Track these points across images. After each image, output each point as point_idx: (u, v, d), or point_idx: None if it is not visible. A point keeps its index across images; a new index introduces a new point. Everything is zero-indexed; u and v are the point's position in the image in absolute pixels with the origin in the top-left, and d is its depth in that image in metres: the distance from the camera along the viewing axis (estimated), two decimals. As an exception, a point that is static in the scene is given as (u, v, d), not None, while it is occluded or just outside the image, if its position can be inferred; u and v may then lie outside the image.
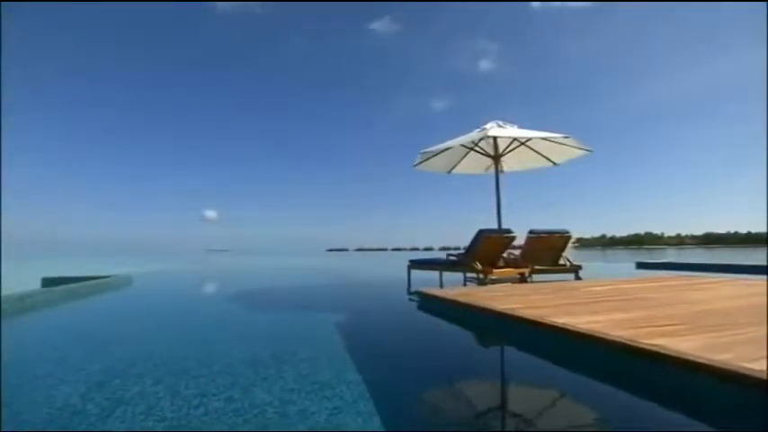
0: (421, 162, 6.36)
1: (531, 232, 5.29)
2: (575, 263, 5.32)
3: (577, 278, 5.19)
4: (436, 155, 6.32)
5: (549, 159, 6.52)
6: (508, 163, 7.03)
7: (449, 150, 6.37)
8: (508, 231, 5.16)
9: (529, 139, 5.92)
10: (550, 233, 5.31)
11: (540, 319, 2.09)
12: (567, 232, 5.38)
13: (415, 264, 5.97)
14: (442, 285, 5.91)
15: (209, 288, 6.97)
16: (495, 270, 4.75)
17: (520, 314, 2.28)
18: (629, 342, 1.57)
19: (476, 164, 7.05)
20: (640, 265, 9.87)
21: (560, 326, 1.93)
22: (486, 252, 5.05)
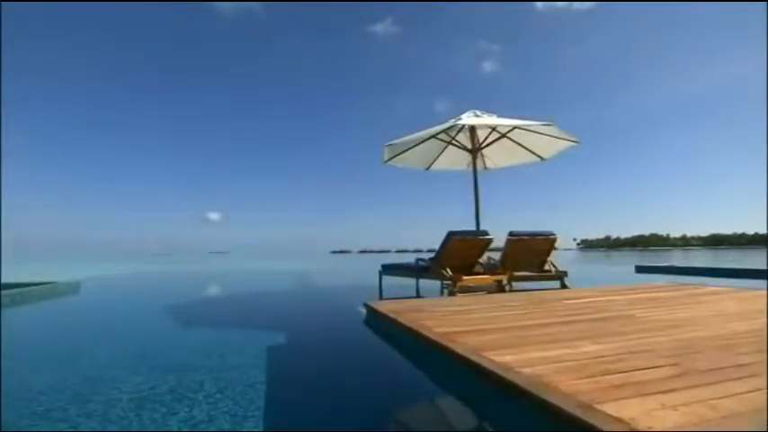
0: (391, 157, 5.78)
1: (510, 234, 4.69)
2: (561, 269, 4.72)
3: (563, 286, 4.59)
4: (409, 149, 5.74)
5: (535, 154, 5.93)
6: (492, 159, 6.45)
7: (424, 144, 5.80)
8: (483, 233, 4.57)
9: (510, 130, 5.33)
10: (533, 235, 4.71)
11: (467, 355, 1.51)
12: (552, 234, 4.78)
13: (387, 269, 5.41)
14: (418, 293, 5.37)
15: (157, 295, 6.49)
16: (465, 277, 4.16)
17: (452, 344, 1.71)
18: (575, 413, 0.99)
19: (459, 159, 6.46)
20: (639, 269, 9.23)
21: (491, 368, 1.35)
22: (458, 256, 4.47)
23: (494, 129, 5.27)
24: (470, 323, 2.25)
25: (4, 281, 5.46)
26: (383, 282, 5.33)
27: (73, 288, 5.79)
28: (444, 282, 4.76)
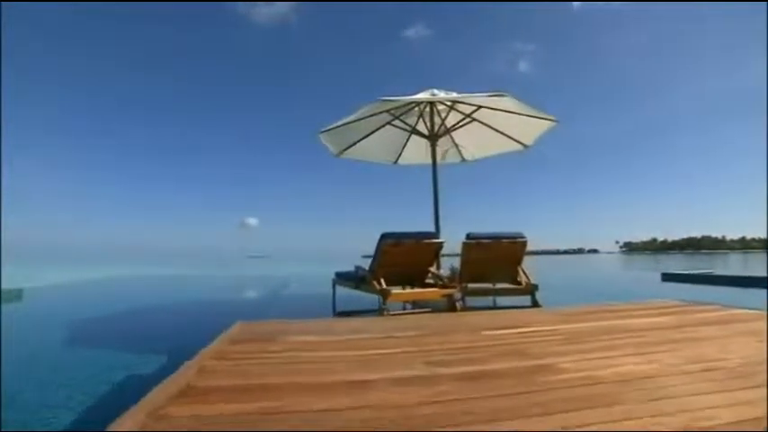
0: (343, 150, 4.99)
1: (468, 237, 3.77)
2: (531, 281, 3.73)
3: (534, 303, 3.60)
4: (360, 140, 4.94)
5: (514, 140, 4.93)
6: (468, 149, 5.51)
7: (380, 133, 4.97)
8: (429, 236, 3.68)
9: (476, 109, 4.38)
10: (496, 238, 3.75)
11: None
12: (521, 237, 3.79)
13: (340, 278, 4.64)
14: (381, 306, 4.60)
15: (91, 305, 6.08)
16: (394, 291, 3.30)
17: (127, 418, 0.93)
18: None
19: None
20: (667, 277, 7.83)
21: None
22: (397, 264, 3.61)
23: (452, 107, 4.35)
24: (273, 373, 1.44)
25: None
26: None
27: (12, 296, 5.47)
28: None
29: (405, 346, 1.84)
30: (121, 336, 4.10)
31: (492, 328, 2.21)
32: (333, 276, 4.65)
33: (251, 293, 8.56)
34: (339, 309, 4.31)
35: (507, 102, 3.65)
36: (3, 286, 5.47)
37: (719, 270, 10.04)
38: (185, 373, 1.45)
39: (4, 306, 5.10)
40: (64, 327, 4.24)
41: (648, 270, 15.68)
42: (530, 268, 3.94)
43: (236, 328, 2.32)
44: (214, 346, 1.85)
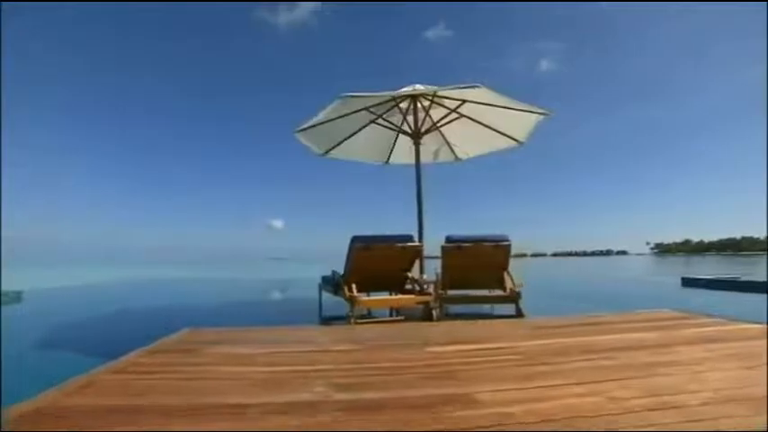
0: (328, 150, 4.84)
1: (447, 240, 3.53)
2: (517, 288, 3.43)
3: (518, 312, 3.31)
4: (349, 137, 4.77)
5: (507, 135, 4.64)
6: (462, 147, 5.25)
7: (366, 132, 4.79)
8: (404, 239, 3.45)
9: (461, 104, 4.12)
10: (477, 241, 3.49)
11: None
12: (505, 240, 3.51)
13: (324, 282, 4.48)
14: (369, 311, 4.42)
15: (86, 308, 6.14)
16: (364, 299, 3.10)
17: None
18: None
19: (423, 150, 5.35)
20: (687, 282, 7.27)
21: None
22: (371, 270, 3.41)
23: (432, 101, 4.11)
24: (167, 391, 1.28)
25: None
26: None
27: (11, 298, 5.61)
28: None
29: (327, 362, 1.65)
30: (103, 339, 4.07)
31: (443, 344, 1.98)
32: (319, 281, 4.49)
33: (247, 297, 8.55)
34: (329, 314, 4.13)
35: (483, 93, 3.38)
36: (3, 288, 5.61)
37: (761, 274, 9.24)
38: (63, 389, 1.32)
39: (3, 308, 5.22)
40: (50, 329, 4.27)
41: (671, 275, 14.79)
42: (517, 273, 3.65)
43: (175, 336, 2.19)
44: (127, 357, 1.72)
